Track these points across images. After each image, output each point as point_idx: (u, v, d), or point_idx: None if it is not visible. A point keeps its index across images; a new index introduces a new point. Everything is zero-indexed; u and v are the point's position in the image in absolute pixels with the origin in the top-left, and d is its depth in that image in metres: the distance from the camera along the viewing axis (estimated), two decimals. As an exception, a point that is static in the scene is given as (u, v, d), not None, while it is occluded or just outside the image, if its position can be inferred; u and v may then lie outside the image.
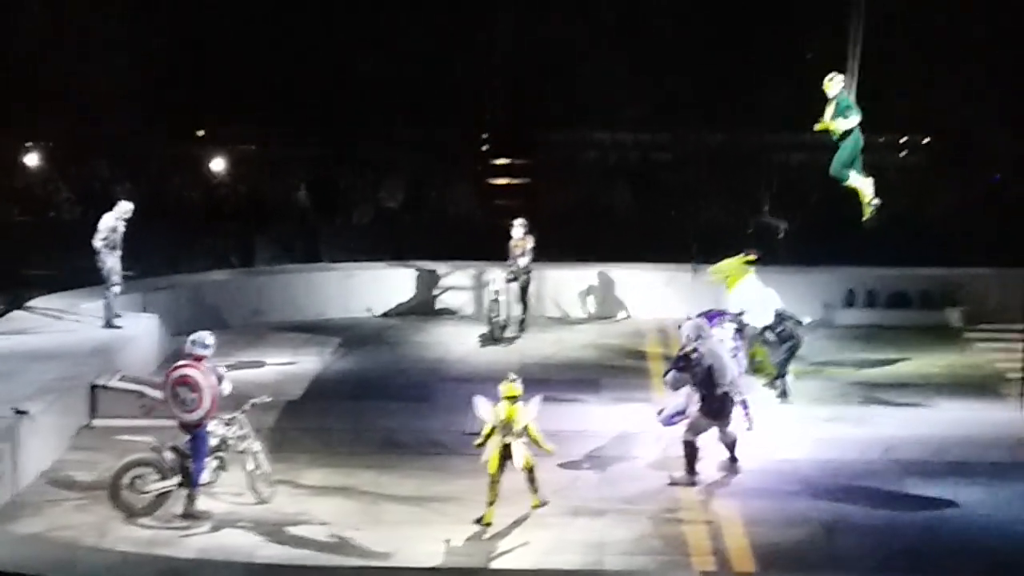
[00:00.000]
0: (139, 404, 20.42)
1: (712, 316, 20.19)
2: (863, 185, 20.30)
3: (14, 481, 17.87)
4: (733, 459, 18.74)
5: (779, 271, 27.20)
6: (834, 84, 19.84)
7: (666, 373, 19.21)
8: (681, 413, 19.24)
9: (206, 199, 38.93)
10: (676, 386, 18.87)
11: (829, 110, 19.90)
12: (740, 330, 21.70)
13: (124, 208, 23.30)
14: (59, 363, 21.05)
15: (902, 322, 27.82)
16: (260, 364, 24.40)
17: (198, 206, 38.65)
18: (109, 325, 23.35)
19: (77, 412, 20.36)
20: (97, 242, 22.99)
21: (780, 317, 22.33)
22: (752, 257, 23.39)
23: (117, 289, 23.34)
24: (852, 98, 19.76)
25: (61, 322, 23.58)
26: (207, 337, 17.32)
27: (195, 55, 41.69)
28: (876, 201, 20.29)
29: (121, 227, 23.24)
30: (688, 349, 18.53)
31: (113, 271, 23.21)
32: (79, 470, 18.72)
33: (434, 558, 15.90)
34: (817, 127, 20.04)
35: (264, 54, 40.82)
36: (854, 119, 19.78)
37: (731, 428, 18.63)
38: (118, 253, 23.26)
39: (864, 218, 20.43)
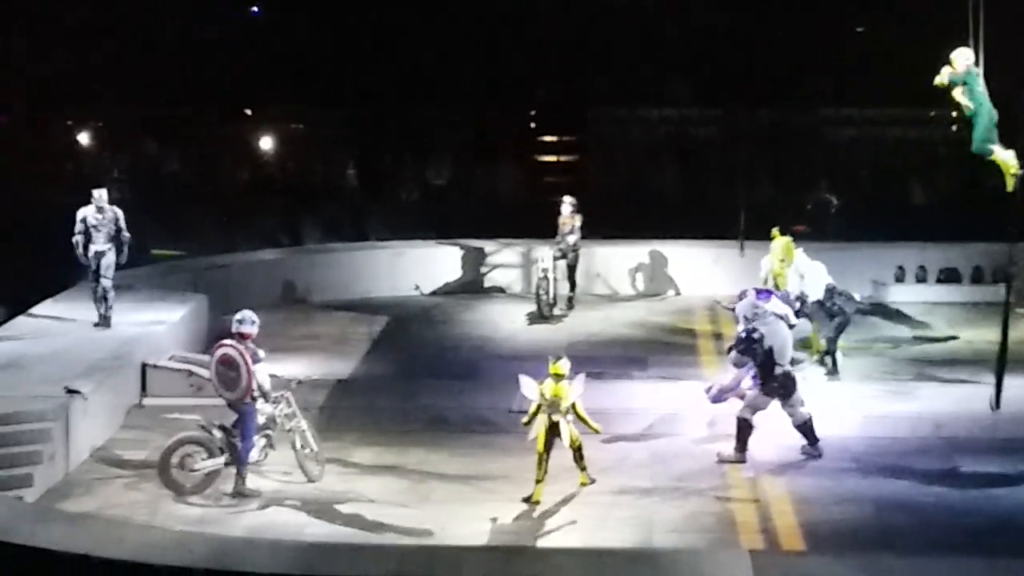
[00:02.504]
0: (189, 383, 20.54)
1: (762, 293, 20.06)
2: (1006, 157, 19.48)
3: (66, 460, 18.03)
4: (812, 442, 18.53)
5: (829, 247, 27.05)
6: (959, 59, 19.11)
7: (728, 351, 19.06)
8: (731, 390, 19.17)
9: (254, 178, 39.03)
10: (740, 365, 18.69)
11: (959, 87, 19.20)
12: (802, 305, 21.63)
13: (96, 196, 21.87)
14: (110, 342, 21.16)
15: (953, 298, 27.65)
16: (309, 341, 24.48)
17: (246, 185, 38.75)
18: (103, 321, 22.16)
19: (128, 391, 20.50)
20: (73, 238, 21.79)
21: (831, 292, 22.21)
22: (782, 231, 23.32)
23: (93, 286, 22.05)
24: (980, 72, 19.14)
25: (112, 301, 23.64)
26: (251, 315, 17.39)
27: (243, 35, 41.85)
28: (1020, 172, 19.45)
29: (93, 218, 21.78)
30: (749, 329, 18.42)
31: (88, 270, 22.06)
32: (130, 449, 18.86)
33: (481, 536, 15.92)
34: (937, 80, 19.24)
35: (311, 33, 40.92)
36: (985, 99, 19.07)
37: (801, 408, 18.49)
38: (93, 248, 21.84)
39: (1008, 189, 19.69)
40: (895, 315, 26.27)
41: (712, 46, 39.21)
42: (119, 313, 22.61)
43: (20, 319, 22.72)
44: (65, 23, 41.34)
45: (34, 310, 23.13)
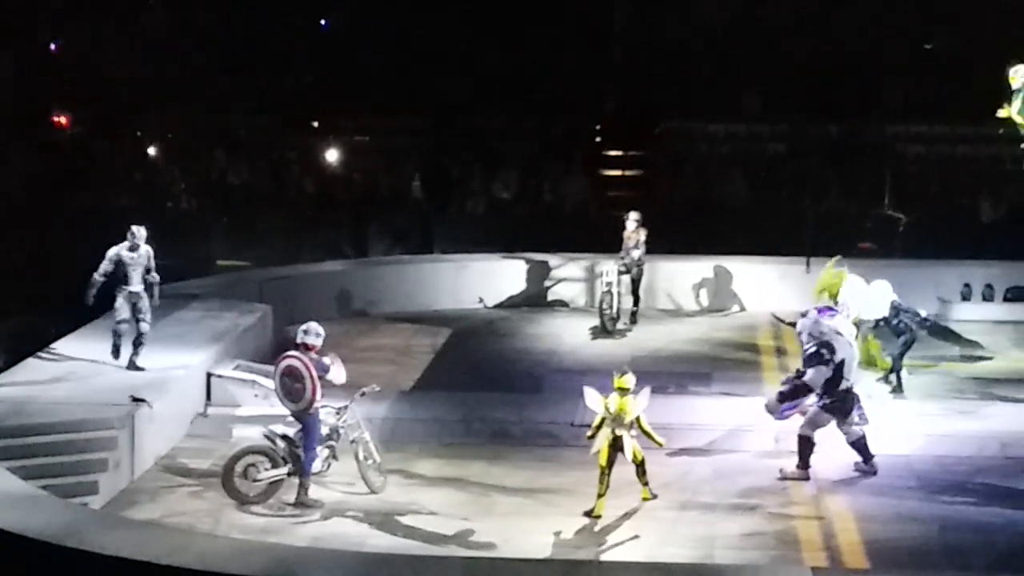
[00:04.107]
0: (253, 393, 20.62)
1: (822, 310, 19.96)
2: None
3: (131, 468, 18.19)
4: (867, 459, 18.47)
5: (895, 264, 26.90)
6: (1020, 76, 19.50)
7: (782, 397, 18.77)
8: (794, 407, 19.05)
9: (320, 189, 39.23)
10: (818, 382, 18.43)
11: (1016, 103, 19.56)
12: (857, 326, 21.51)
13: (136, 234, 20.14)
14: (175, 351, 21.28)
15: (1020, 317, 27.36)
16: (373, 353, 24.56)
17: (313, 196, 38.95)
18: (131, 365, 20.27)
19: (192, 400, 20.61)
20: (96, 274, 20.11)
21: (896, 310, 22.08)
22: (837, 259, 23.17)
23: (123, 328, 20.15)
24: None
25: (176, 311, 23.80)
26: (316, 327, 17.49)
27: (311, 47, 42.12)
28: None
29: (128, 258, 20.07)
30: (820, 343, 18.31)
31: (118, 310, 20.13)
32: (194, 458, 19.01)
33: (544, 550, 15.93)
34: (1000, 113, 19.71)
35: (380, 45, 41.10)
36: None
37: (855, 426, 18.40)
38: (128, 289, 20.13)
39: None
40: (948, 334, 25.79)
41: (782, 61, 39.10)
42: (181, 322, 22.83)
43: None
44: (135, 32, 41.78)
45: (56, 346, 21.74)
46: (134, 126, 41.31)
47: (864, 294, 22.17)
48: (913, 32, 40.62)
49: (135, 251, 20.17)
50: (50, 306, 26.91)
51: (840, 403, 18.25)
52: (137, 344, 20.30)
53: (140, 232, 20.21)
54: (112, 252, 20.15)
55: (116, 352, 20.36)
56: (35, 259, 32.31)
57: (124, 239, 20.24)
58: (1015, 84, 19.55)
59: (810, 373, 18.29)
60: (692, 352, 25.38)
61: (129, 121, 40.98)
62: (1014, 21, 19.67)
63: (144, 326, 20.34)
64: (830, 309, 19.77)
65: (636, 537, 16.35)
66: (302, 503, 17.17)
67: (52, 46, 44.55)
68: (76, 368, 20.37)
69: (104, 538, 14.23)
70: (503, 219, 37.12)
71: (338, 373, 17.44)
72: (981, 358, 24.68)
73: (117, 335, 20.29)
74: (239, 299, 25.33)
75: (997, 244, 30.47)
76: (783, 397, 18.60)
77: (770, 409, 18.81)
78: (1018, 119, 19.53)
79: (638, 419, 17.06)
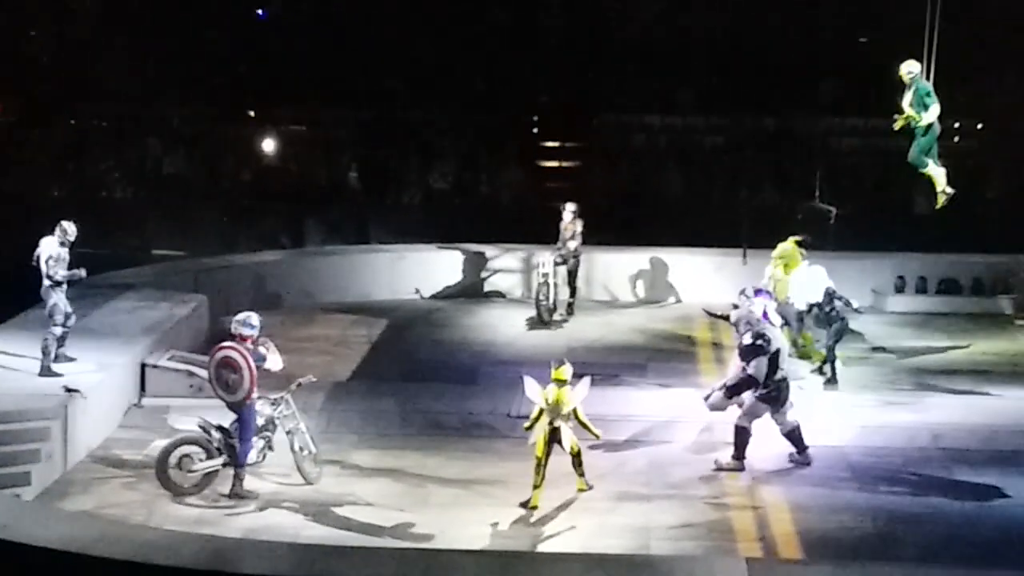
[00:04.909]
0: (188, 383, 20.50)
1: (760, 292, 19.97)
2: (938, 174, 20.46)
3: (64, 459, 18.04)
4: (801, 450, 18.55)
5: (829, 256, 27.03)
6: (909, 71, 19.87)
7: (729, 393, 18.85)
8: (730, 398, 19.12)
9: (256, 179, 39.07)
10: (763, 373, 18.47)
11: (907, 97, 19.91)
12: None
13: (68, 231, 19.43)
14: (109, 341, 21.11)
15: (953, 309, 27.62)
16: (309, 343, 24.48)
17: (248, 186, 38.78)
18: (47, 372, 19.21)
19: (127, 391, 20.47)
20: (46, 279, 19.35)
21: (830, 296, 22.15)
22: (799, 239, 23.33)
23: (58, 331, 19.46)
24: (930, 85, 19.81)
25: (111, 300, 23.66)
26: (252, 317, 17.39)
27: (248, 36, 41.95)
28: (949, 190, 20.47)
29: (65, 255, 19.35)
30: (756, 334, 18.35)
31: (56, 309, 19.43)
32: (128, 448, 18.86)
33: (480, 540, 15.94)
34: (897, 124, 20.15)
35: (316, 36, 40.99)
36: (936, 109, 19.84)
37: (789, 416, 18.48)
38: (63, 287, 19.48)
39: (937, 206, 20.71)
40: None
41: (718, 54, 39.27)
42: (115, 312, 22.71)
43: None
44: (68, 20, 41.48)
45: None
46: (66, 114, 40.98)
47: (804, 280, 22.36)
48: (846, 27, 40.89)
49: (64, 247, 19.44)
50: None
51: (776, 393, 18.32)
52: (63, 339, 19.71)
53: (71, 229, 19.49)
54: (56, 251, 19.31)
55: (62, 357, 19.66)
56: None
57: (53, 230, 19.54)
58: (906, 79, 20.01)
59: (753, 365, 18.33)
60: (628, 343, 25.43)
61: (61, 109, 40.64)
62: (944, 17, 20.02)
63: (73, 319, 19.90)
64: (767, 292, 19.90)
65: (572, 528, 16.38)
66: (237, 494, 17.09)
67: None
68: (6, 360, 20.15)
69: (36, 529, 14.11)
70: (440, 210, 37.06)
71: (275, 360, 17.40)
72: (914, 350, 24.83)
73: (55, 339, 19.49)
74: (174, 289, 25.17)
75: (931, 236, 30.66)
76: (730, 392, 18.65)
77: (715, 406, 18.87)
78: (909, 111, 19.99)
79: (575, 410, 17.09)
